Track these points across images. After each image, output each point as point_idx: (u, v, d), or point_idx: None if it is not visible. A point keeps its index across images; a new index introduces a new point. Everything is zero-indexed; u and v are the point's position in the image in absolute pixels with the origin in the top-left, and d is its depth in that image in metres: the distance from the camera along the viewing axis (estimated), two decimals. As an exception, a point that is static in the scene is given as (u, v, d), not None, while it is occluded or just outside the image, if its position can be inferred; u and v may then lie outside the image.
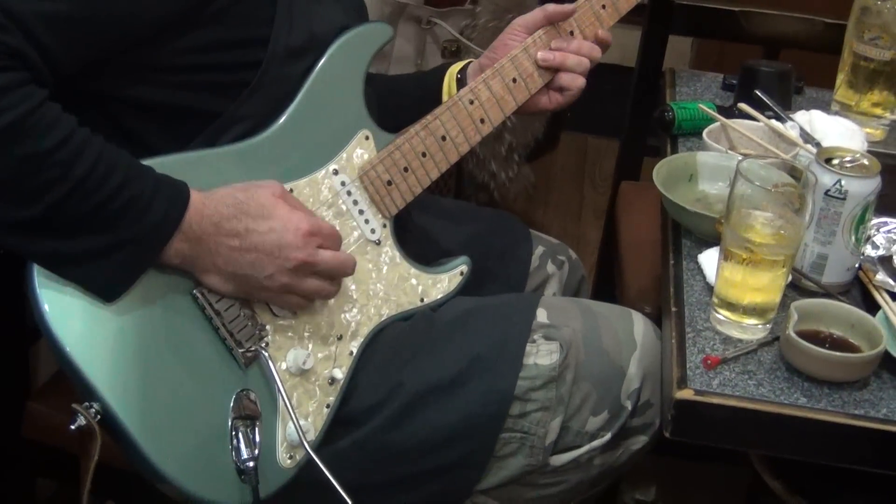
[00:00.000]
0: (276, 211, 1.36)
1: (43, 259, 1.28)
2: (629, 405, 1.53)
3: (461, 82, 1.66)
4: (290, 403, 1.39)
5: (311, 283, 1.40)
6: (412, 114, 1.59)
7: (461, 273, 1.59)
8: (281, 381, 1.38)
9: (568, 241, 3.07)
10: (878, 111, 1.88)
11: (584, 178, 3.71)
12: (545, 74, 1.60)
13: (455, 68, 1.69)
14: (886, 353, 1.34)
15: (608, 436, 1.52)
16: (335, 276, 1.42)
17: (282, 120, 1.44)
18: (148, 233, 1.29)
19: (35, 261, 1.29)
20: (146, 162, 1.33)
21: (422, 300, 1.56)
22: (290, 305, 1.42)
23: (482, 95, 1.57)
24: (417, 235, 1.68)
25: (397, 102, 1.68)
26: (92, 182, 1.25)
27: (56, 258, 1.28)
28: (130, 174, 1.28)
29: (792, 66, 1.95)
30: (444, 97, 1.67)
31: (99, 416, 1.28)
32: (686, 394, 1.29)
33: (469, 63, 1.69)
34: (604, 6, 1.64)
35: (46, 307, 1.28)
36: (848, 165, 1.44)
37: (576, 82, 1.61)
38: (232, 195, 1.35)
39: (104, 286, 1.30)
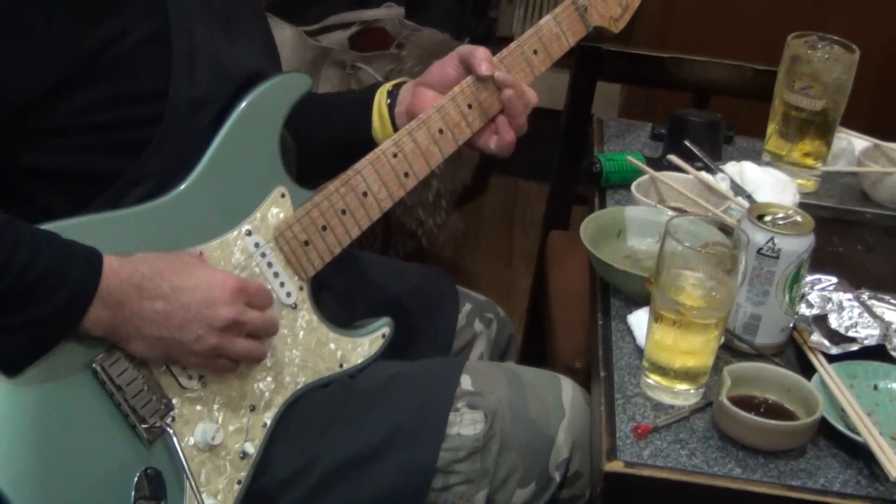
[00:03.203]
0: (199, 269, 1.32)
1: None
2: (558, 476, 1.47)
3: (392, 94, 1.57)
4: (197, 482, 1.32)
5: (242, 344, 1.34)
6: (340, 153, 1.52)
7: (383, 336, 1.52)
8: (187, 459, 1.31)
9: (498, 289, 3.00)
10: (810, 161, 1.85)
11: (515, 223, 3.67)
12: (473, 124, 1.53)
13: (386, 87, 1.59)
14: (823, 420, 1.30)
15: (536, 509, 1.46)
16: (262, 336, 1.37)
17: (190, 178, 1.36)
18: (62, 308, 1.22)
19: None
20: (46, 226, 1.25)
21: (341, 366, 1.48)
22: (218, 370, 1.35)
23: (406, 148, 1.50)
24: (339, 293, 1.61)
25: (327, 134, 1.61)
26: None
27: None
28: (37, 247, 1.21)
29: (721, 116, 1.91)
30: (374, 114, 1.58)
31: (-11, 501, 1.21)
32: (616, 466, 1.25)
33: (404, 83, 1.59)
34: (535, 51, 1.57)
35: None
36: (780, 223, 1.41)
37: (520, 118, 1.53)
38: (151, 255, 1.30)
39: (7, 361, 1.22)
